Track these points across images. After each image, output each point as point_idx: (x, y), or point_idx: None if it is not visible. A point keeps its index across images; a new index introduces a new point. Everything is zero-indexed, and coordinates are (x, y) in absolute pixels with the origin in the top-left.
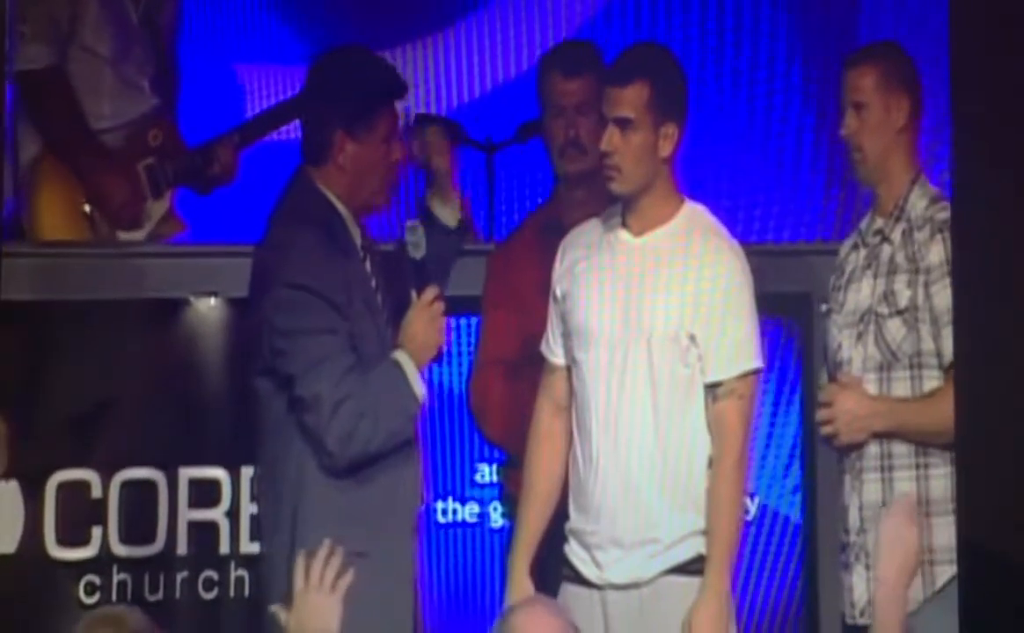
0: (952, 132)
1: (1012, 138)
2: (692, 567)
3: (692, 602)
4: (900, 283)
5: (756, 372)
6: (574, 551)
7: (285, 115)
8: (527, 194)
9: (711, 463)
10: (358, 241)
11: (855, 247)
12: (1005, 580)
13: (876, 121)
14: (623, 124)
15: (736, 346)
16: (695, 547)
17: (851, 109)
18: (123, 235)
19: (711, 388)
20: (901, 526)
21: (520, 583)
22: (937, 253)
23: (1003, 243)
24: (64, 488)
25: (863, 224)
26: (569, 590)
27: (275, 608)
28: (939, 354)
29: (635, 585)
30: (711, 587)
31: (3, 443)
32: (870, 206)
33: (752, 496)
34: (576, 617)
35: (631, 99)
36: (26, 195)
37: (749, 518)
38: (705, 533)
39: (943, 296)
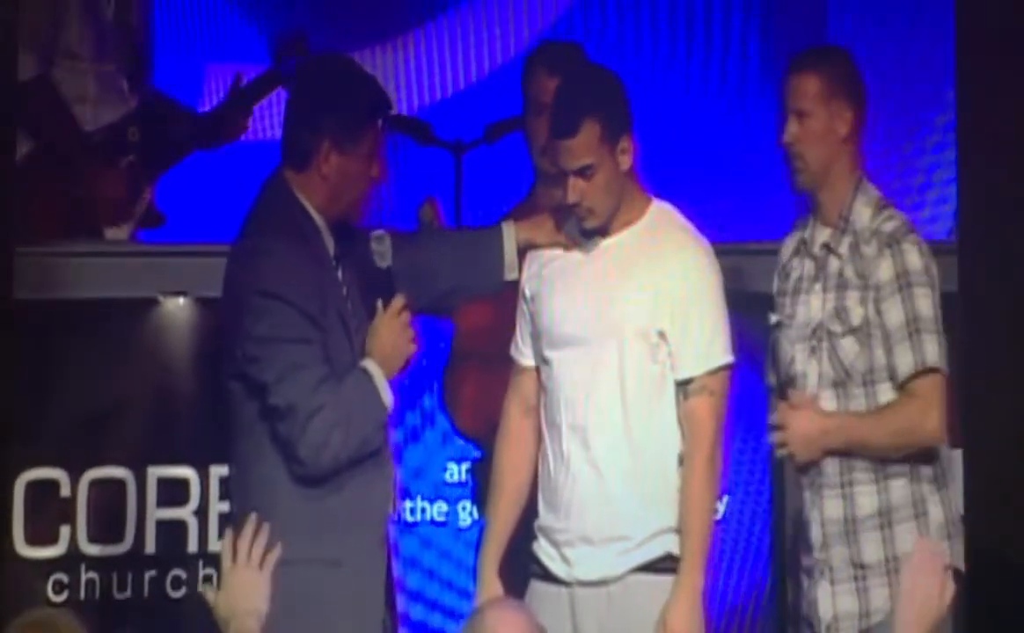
0: (958, 137)
1: (1017, 144)
2: (661, 566)
3: (665, 601)
4: (852, 300)
5: (727, 368)
6: (543, 548)
7: (275, 80)
8: (495, 195)
9: (682, 461)
10: (331, 250)
11: (797, 253)
12: (1013, 588)
13: (820, 130)
14: (584, 171)
15: (706, 342)
16: (665, 545)
17: (793, 116)
18: (110, 232)
19: (682, 385)
20: (921, 573)
21: (490, 582)
22: (887, 269)
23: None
24: (33, 487)
25: (806, 232)
26: (537, 587)
27: (203, 588)
28: (892, 370)
29: (604, 582)
30: (685, 585)
31: None
32: (810, 210)
33: (723, 495)
34: (544, 614)
35: (584, 146)
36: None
37: (719, 517)
38: (676, 531)
39: (894, 313)
